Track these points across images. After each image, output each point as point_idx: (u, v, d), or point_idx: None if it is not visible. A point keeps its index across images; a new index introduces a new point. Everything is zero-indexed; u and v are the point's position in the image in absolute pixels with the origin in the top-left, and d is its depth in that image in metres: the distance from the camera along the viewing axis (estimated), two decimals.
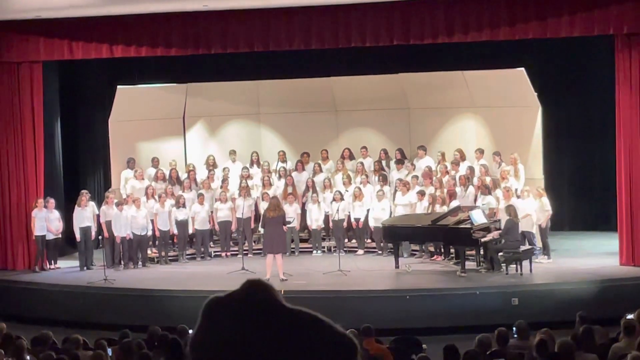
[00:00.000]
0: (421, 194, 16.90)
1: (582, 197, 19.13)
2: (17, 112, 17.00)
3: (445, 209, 16.22)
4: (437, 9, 15.78)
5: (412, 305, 13.99)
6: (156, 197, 17.35)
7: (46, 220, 16.65)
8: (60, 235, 17.04)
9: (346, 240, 17.96)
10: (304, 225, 18.16)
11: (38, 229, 16.56)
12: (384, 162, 18.43)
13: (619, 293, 13.88)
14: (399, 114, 19.13)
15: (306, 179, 18.28)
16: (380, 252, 17.47)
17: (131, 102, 18.51)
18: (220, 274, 16.02)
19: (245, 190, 17.71)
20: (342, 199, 17.46)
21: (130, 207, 16.77)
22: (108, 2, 15.40)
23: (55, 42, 16.62)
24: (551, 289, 14.34)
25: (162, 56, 17.14)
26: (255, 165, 18.79)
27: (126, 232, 16.69)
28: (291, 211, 17.16)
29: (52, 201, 16.84)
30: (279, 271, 15.03)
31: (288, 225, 16.16)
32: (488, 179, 16.73)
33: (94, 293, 15.16)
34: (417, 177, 17.43)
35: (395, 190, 17.44)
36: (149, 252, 17.34)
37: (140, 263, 16.96)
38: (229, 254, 17.87)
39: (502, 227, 15.31)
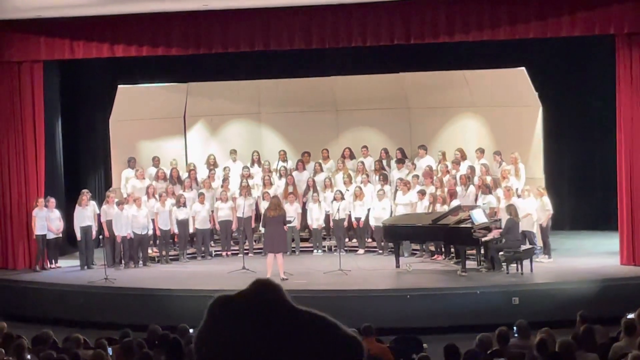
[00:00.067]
0: (422, 193, 16.91)
1: (582, 197, 19.12)
2: (17, 111, 17.00)
3: (445, 208, 16.22)
4: (438, 8, 15.78)
5: (412, 305, 13.99)
6: (157, 196, 17.36)
7: (47, 220, 16.65)
8: (60, 235, 17.04)
9: (347, 239, 17.96)
10: (304, 225, 18.17)
11: (39, 228, 16.57)
12: (384, 162, 18.43)
13: (620, 292, 13.87)
14: (399, 114, 19.14)
15: (307, 178, 18.29)
16: (380, 251, 17.47)
17: (132, 101, 18.52)
18: (220, 274, 16.03)
19: (245, 190, 17.71)
20: (342, 198, 17.46)
21: (131, 207, 16.77)
22: (109, 1, 15.40)
23: (56, 41, 16.62)
24: (552, 288, 14.34)
25: (163, 55, 17.14)
26: (256, 165, 18.79)
27: (127, 232, 16.69)
28: (292, 210, 17.16)
29: (52, 200, 16.84)
30: (279, 270, 15.04)
31: (289, 225, 16.17)
32: (489, 179, 16.73)
33: (94, 292, 15.16)
34: (417, 176, 17.43)
35: (396, 190, 17.45)
36: (149, 251, 17.35)
37: (140, 262, 16.97)
38: (229, 253, 17.87)
39: (503, 226, 15.31)
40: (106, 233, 16.69)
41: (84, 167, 19.98)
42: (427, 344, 10.49)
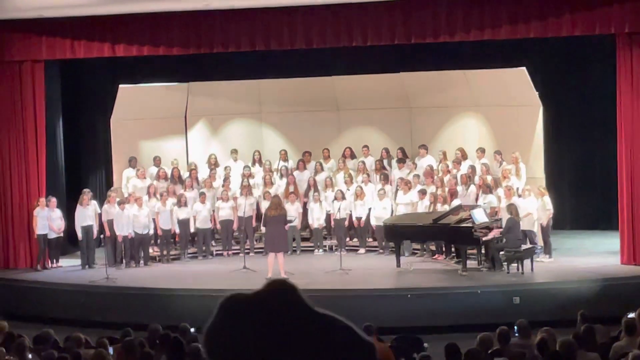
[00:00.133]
0: (422, 192, 16.91)
1: (583, 196, 19.12)
2: (19, 111, 17.01)
3: (446, 207, 16.22)
4: (439, 8, 15.78)
5: (413, 304, 14.00)
6: (158, 196, 17.37)
7: (48, 219, 16.66)
8: (62, 234, 17.06)
9: (347, 239, 17.96)
10: (305, 224, 18.18)
11: (40, 228, 16.58)
12: (385, 161, 18.43)
13: (620, 292, 13.88)
14: (400, 113, 19.14)
15: (308, 177, 18.30)
16: (381, 251, 17.47)
17: (133, 101, 18.53)
18: (221, 273, 16.05)
19: (246, 189, 17.72)
20: (343, 197, 17.47)
21: (132, 206, 16.78)
22: (110, 1, 15.42)
23: (58, 41, 16.63)
24: (552, 287, 14.34)
25: (164, 55, 17.15)
26: (257, 164, 18.80)
27: (128, 231, 16.70)
28: (293, 210, 17.17)
29: (54, 200, 16.85)
30: (280, 270, 15.04)
31: (289, 224, 16.17)
32: (489, 178, 16.73)
33: (95, 292, 15.18)
34: (418, 176, 17.43)
35: (397, 189, 17.45)
36: (150, 250, 17.36)
37: (141, 262, 16.98)
38: (230, 252, 17.88)
39: (504, 226, 15.31)
40: (107, 232, 16.70)
41: (85, 166, 20.00)
42: (428, 343, 10.50)
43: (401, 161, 18.16)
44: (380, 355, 9.27)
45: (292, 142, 19.44)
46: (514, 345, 9.04)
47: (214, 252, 17.91)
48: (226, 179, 18.16)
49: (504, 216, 15.49)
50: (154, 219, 17.09)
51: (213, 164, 18.71)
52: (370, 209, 17.43)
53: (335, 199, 17.45)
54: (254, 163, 18.81)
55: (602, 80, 17.71)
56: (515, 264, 14.94)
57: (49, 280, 16.01)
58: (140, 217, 16.78)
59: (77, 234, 16.78)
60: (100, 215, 16.92)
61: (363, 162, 18.31)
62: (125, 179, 18.19)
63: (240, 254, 17.14)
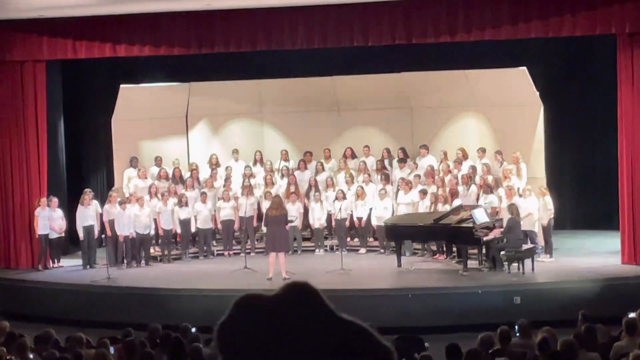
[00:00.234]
0: (423, 192, 16.92)
1: (584, 196, 19.13)
2: (20, 111, 17.02)
3: (447, 207, 16.23)
4: (440, 8, 15.79)
5: (414, 304, 14.00)
6: (159, 195, 17.39)
7: (49, 219, 16.68)
8: (63, 234, 17.07)
9: (348, 239, 17.97)
10: (306, 224, 18.18)
11: (41, 228, 16.59)
12: (386, 161, 18.44)
13: (621, 292, 13.88)
14: (401, 113, 19.15)
15: (309, 177, 18.30)
16: (382, 250, 17.48)
17: (134, 101, 18.55)
18: (223, 273, 16.06)
19: (247, 189, 17.73)
20: (344, 197, 17.48)
21: (134, 206, 16.79)
22: (111, 1, 15.42)
23: (59, 41, 16.64)
24: (553, 287, 14.35)
25: (165, 55, 17.18)
26: (258, 164, 18.81)
27: (129, 231, 16.71)
28: (294, 210, 17.19)
29: (55, 200, 16.86)
30: (281, 270, 15.06)
31: (290, 224, 16.18)
32: (490, 178, 16.74)
33: (96, 292, 15.19)
34: (419, 176, 17.44)
35: (398, 189, 17.47)
36: (151, 250, 17.37)
37: (143, 262, 16.99)
38: (231, 252, 17.88)
39: (504, 226, 15.32)
40: (108, 232, 16.71)
41: (86, 166, 20.01)
42: (428, 343, 10.50)
43: (402, 161, 18.17)
44: None
45: (293, 142, 19.45)
46: (514, 345, 9.05)
47: (215, 252, 17.92)
48: (227, 179, 18.17)
49: (505, 216, 15.50)
50: (155, 219, 17.11)
51: (214, 164, 18.72)
52: (371, 209, 17.44)
53: (336, 199, 17.45)
54: (255, 163, 18.82)
55: (602, 80, 17.71)
56: (516, 264, 14.94)
57: (50, 280, 16.02)
58: (142, 217, 16.79)
59: (79, 234, 16.78)
60: (101, 215, 16.93)
61: (364, 162, 18.32)
62: (127, 179, 18.21)
63: (241, 254, 17.14)
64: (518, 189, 16.29)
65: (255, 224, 17.89)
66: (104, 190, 18.98)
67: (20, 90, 17.01)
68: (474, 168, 17.21)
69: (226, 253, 17.88)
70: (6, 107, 17.02)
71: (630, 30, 15.12)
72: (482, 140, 18.03)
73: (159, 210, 17.20)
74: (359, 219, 17.60)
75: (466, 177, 16.88)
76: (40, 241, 16.70)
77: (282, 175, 18.41)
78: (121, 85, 18.54)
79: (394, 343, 10.40)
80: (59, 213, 16.90)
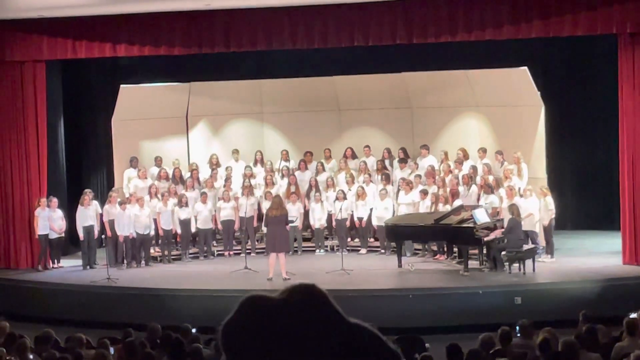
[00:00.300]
0: (424, 193, 16.90)
1: (585, 196, 19.11)
2: (20, 111, 17.02)
3: (448, 208, 16.21)
4: (440, 8, 15.78)
5: (415, 304, 13.99)
6: (159, 196, 17.38)
7: (49, 220, 16.66)
8: (63, 235, 17.06)
9: (349, 239, 17.95)
10: (306, 225, 18.17)
11: (41, 228, 16.58)
12: (387, 161, 18.43)
13: (622, 292, 13.87)
14: (401, 113, 19.13)
15: (309, 178, 18.29)
16: (383, 251, 17.47)
17: (134, 101, 18.52)
18: (223, 273, 16.05)
19: (248, 190, 17.71)
20: (344, 198, 17.46)
21: (134, 206, 16.78)
22: (111, 1, 15.42)
23: (59, 41, 16.63)
24: (554, 288, 14.33)
25: (165, 55, 17.16)
26: (258, 164, 18.79)
27: (129, 231, 16.69)
28: (294, 210, 17.17)
29: (55, 200, 16.85)
30: (281, 270, 15.05)
31: (291, 225, 16.15)
32: (491, 178, 16.73)
33: (97, 292, 15.18)
34: (420, 176, 17.43)
35: (398, 189, 17.45)
36: (152, 251, 17.36)
37: (143, 262, 16.97)
38: (231, 253, 17.87)
39: (505, 226, 15.30)
40: (108, 233, 16.70)
41: (86, 166, 20.00)
42: (429, 343, 10.48)
43: (403, 161, 18.15)
44: None
45: (293, 142, 19.43)
46: (515, 346, 9.03)
47: (215, 253, 17.91)
48: (227, 179, 18.15)
49: (506, 216, 15.48)
50: (155, 219, 17.09)
51: (214, 164, 18.71)
52: (371, 209, 17.42)
53: (337, 199, 17.44)
54: (255, 163, 18.81)
55: (604, 80, 17.70)
56: (517, 264, 14.93)
57: (50, 281, 16.01)
58: (142, 218, 16.78)
59: (79, 235, 16.77)
60: (101, 215, 16.92)
61: (364, 162, 18.30)
62: (127, 179, 18.19)
63: (242, 254, 17.11)
64: (519, 189, 16.27)
65: (255, 224, 17.87)
66: (104, 190, 18.97)
67: (20, 90, 17.00)
68: (474, 168, 17.19)
69: (226, 253, 17.87)
70: (6, 107, 17.01)
71: (631, 30, 15.10)
72: (483, 140, 18.01)
73: (159, 211, 17.18)
74: (360, 219, 17.58)
75: (467, 177, 16.87)
76: (40, 241, 16.69)
77: (283, 176, 18.39)
78: (121, 85, 18.51)
79: (395, 343, 10.40)
80: (58, 213, 16.89)
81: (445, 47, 17.05)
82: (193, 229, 17.62)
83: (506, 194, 16.06)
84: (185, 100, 19.22)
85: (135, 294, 14.99)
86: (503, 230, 15.29)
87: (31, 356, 8.86)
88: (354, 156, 18.81)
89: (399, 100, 18.97)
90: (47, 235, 16.65)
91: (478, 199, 16.54)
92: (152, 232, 17.09)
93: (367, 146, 18.68)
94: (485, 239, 15.15)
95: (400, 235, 16.09)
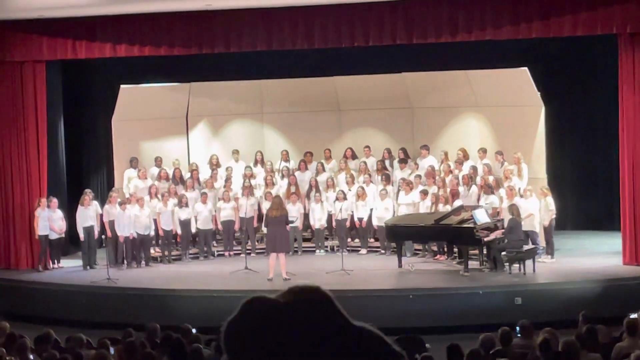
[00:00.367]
0: (424, 193, 16.89)
1: (585, 196, 19.10)
2: (20, 111, 17.02)
3: (448, 208, 16.20)
4: (441, 8, 15.77)
5: (415, 305, 13.99)
6: (159, 196, 17.37)
7: (49, 220, 16.66)
8: (63, 235, 17.05)
9: (349, 239, 17.95)
10: (306, 225, 18.16)
11: (41, 229, 16.57)
12: (387, 162, 18.42)
13: (622, 292, 13.88)
14: (402, 114, 19.12)
15: (309, 178, 18.28)
16: (383, 251, 17.47)
17: (134, 101, 18.53)
18: (223, 274, 16.04)
19: (248, 190, 17.71)
20: (345, 198, 17.46)
21: (134, 207, 16.77)
22: (111, 1, 15.42)
23: (59, 41, 16.63)
24: (554, 288, 14.33)
25: (166, 56, 17.14)
26: (258, 165, 18.79)
27: (129, 232, 16.68)
28: (294, 210, 17.16)
29: (55, 200, 16.85)
30: (281, 271, 15.04)
31: (291, 225, 16.15)
32: (491, 178, 16.72)
33: (97, 292, 15.17)
34: (420, 176, 17.42)
35: (399, 190, 17.45)
36: (152, 251, 17.35)
37: (143, 262, 16.96)
38: (232, 253, 17.86)
39: (505, 226, 15.30)
40: (109, 233, 16.69)
41: (86, 167, 19.99)
42: (429, 344, 10.48)
43: (403, 161, 18.15)
44: None
45: (293, 142, 19.42)
46: (516, 346, 9.02)
47: (216, 253, 17.90)
48: (227, 179, 18.15)
49: (506, 217, 15.48)
50: (155, 220, 17.09)
51: (214, 165, 18.70)
52: (371, 210, 17.42)
53: (337, 199, 17.43)
54: (255, 163, 18.80)
55: (604, 81, 17.71)
56: (517, 265, 14.92)
57: (50, 281, 16.01)
58: (142, 218, 16.77)
59: (79, 235, 16.77)
60: (101, 215, 16.92)
61: (364, 163, 18.30)
62: (127, 180, 18.19)
63: (242, 255, 17.11)
64: (519, 189, 16.27)
65: (255, 224, 17.87)
66: (104, 190, 18.97)
67: (20, 91, 17.00)
68: (474, 168, 17.18)
69: (226, 254, 17.86)
70: (6, 107, 17.01)
71: (631, 30, 15.10)
72: (483, 140, 18.01)
73: (159, 211, 17.18)
74: (360, 220, 17.58)
75: (467, 177, 16.87)
76: (40, 242, 16.69)
77: (283, 176, 18.39)
78: (121, 86, 18.52)
79: (395, 343, 10.39)
80: (59, 214, 16.88)
81: (445, 47, 17.04)
82: (193, 230, 17.62)
83: (506, 194, 16.06)
84: (185, 100, 19.22)
85: (135, 294, 14.98)
86: (503, 230, 15.28)
87: (31, 356, 8.86)
88: (354, 156, 18.80)
89: (399, 100, 18.96)
90: (47, 235, 16.65)
91: (478, 199, 16.54)
92: (152, 233, 17.08)
93: (367, 146, 18.68)
94: (486, 239, 15.15)
95: (400, 235, 16.09)
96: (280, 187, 18.09)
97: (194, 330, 10.15)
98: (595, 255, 16.39)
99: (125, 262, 16.88)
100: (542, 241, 16.00)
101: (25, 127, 17.03)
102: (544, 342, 8.30)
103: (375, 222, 17.34)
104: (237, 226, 17.82)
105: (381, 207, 17.21)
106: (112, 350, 9.19)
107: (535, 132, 17.14)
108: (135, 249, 16.91)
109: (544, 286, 14.52)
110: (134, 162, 18.32)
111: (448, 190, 16.75)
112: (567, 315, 12.17)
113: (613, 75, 15.85)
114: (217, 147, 19.39)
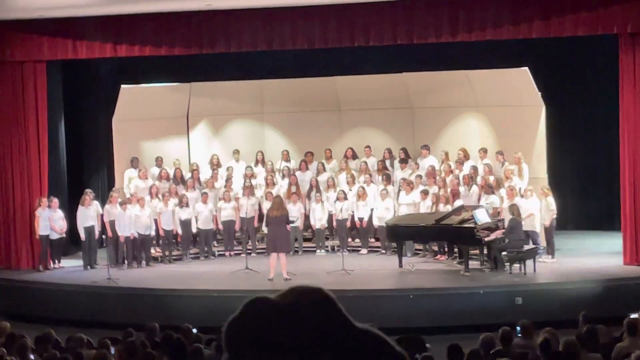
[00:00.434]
0: (425, 193, 16.89)
1: (585, 196, 19.10)
2: (20, 111, 17.02)
3: (449, 208, 16.20)
4: (441, 8, 15.77)
5: (415, 305, 13.99)
6: (160, 196, 17.37)
7: (50, 220, 16.66)
8: (64, 235, 17.06)
9: (350, 239, 17.95)
10: (307, 225, 18.16)
11: (42, 229, 16.57)
12: (387, 162, 18.42)
13: (623, 292, 13.87)
14: (402, 113, 19.12)
15: (310, 178, 18.28)
16: (384, 251, 17.47)
17: (135, 101, 18.53)
18: (223, 274, 16.05)
19: (248, 190, 17.70)
20: (345, 198, 17.46)
21: (134, 207, 16.77)
22: (112, 1, 15.42)
23: (59, 41, 16.63)
24: (555, 288, 14.34)
25: (166, 55, 17.15)
26: (259, 165, 18.79)
27: (130, 232, 16.68)
28: (295, 210, 17.16)
29: (55, 200, 16.85)
30: (282, 270, 15.05)
31: (291, 225, 16.15)
32: (492, 178, 16.72)
33: (97, 292, 15.17)
34: (420, 176, 17.42)
35: (399, 190, 17.45)
36: (152, 251, 17.35)
37: (143, 262, 16.96)
38: (232, 253, 17.86)
39: (506, 226, 15.30)
40: (109, 233, 16.70)
41: (87, 167, 19.99)
42: (430, 343, 10.45)
43: (403, 161, 18.15)
44: None
45: (294, 142, 19.42)
46: (516, 346, 9.02)
47: (216, 253, 17.90)
48: (228, 179, 18.15)
49: (506, 216, 15.48)
50: (155, 220, 17.09)
51: (215, 165, 18.70)
52: (372, 210, 17.42)
53: (337, 199, 17.44)
54: (256, 163, 18.80)
55: (604, 81, 17.70)
56: (518, 265, 14.92)
57: (51, 281, 16.01)
58: (142, 218, 16.77)
59: (80, 235, 16.77)
60: (102, 215, 16.92)
61: (365, 163, 18.30)
62: (127, 180, 18.19)
63: (242, 255, 17.12)
64: (519, 189, 16.27)
65: (256, 224, 17.86)
66: (105, 190, 18.96)
67: (21, 91, 17.00)
68: (475, 168, 17.18)
69: (227, 254, 17.86)
70: (6, 107, 17.01)
71: (632, 30, 15.10)
72: (483, 140, 18.01)
73: (160, 211, 17.18)
74: (360, 220, 17.58)
75: (467, 177, 16.86)
76: (41, 242, 16.69)
77: (283, 176, 18.39)
78: (122, 86, 18.52)
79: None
80: (59, 214, 16.88)
81: (445, 47, 17.05)
82: (194, 229, 17.61)
83: (507, 194, 16.06)
84: (185, 100, 19.22)
85: (136, 294, 14.99)
86: (504, 230, 15.28)
87: (32, 356, 8.86)
88: (354, 156, 18.80)
89: (399, 100, 18.96)
90: (47, 235, 16.65)
91: (479, 199, 16.54)
92: (153, 233, 17.08)
93: (368, 146, 18.68)
94: (486, 239, 15.15)
95: (401, 235, 16.09)
96: (281, 187, 18.09)
97: (194, 330, 10.15)
98: (596, 255, 16.39)
99: (125, 262, 16.88)
100: (542, 241, 15.99)
101: (25, 127, 17.03)
102: (545, 342, 8.30)
103: (375, 222, 17.34)
104: (237, 226, 17.82)
105: (382, 207, 17.22)
106: (112, 350, 9.19)
107: (535, 132, 17.14)
108: (136, 249, 16.91)
109: (544, 286, 14.53)
110: (134, 162, 18.33)
111: (449, 190, 16.75)
112: (567, 315, 12.16)
113: (613, 75, 15.85)
114: (218, 147, 19.39)
